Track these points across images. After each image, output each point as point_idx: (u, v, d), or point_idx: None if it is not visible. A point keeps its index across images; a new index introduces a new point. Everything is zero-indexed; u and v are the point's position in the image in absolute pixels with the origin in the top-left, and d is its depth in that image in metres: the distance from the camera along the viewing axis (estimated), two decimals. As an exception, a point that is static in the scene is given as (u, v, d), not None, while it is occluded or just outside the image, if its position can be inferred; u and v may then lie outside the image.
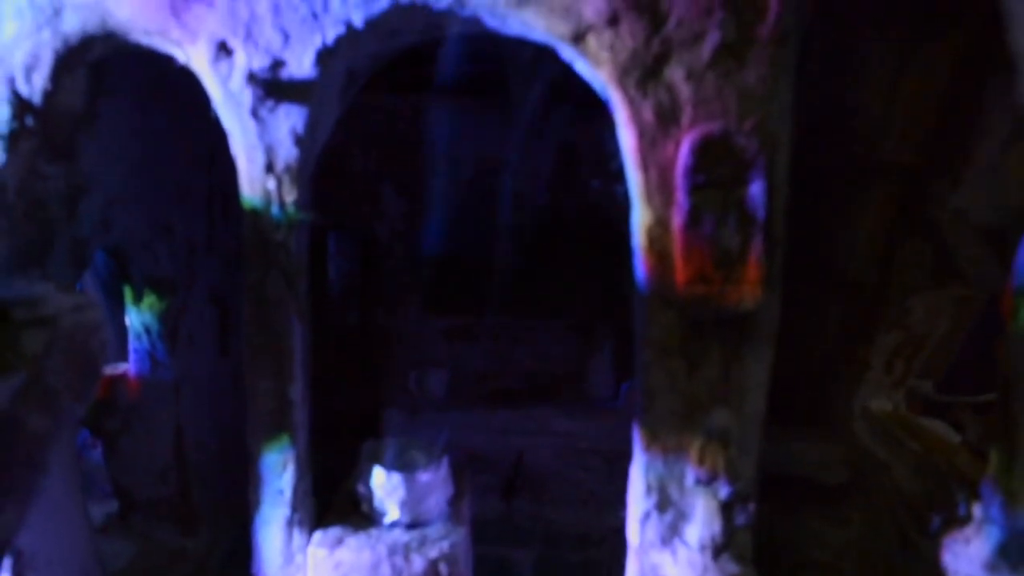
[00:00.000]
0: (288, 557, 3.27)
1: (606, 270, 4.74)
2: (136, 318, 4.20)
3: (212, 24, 2.81)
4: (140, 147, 3.84)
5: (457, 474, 3.57)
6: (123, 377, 4.27)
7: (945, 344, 4.05)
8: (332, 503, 3.51)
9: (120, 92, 3.64)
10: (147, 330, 4.21)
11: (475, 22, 2.80)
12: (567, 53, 2.77)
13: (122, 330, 4.44)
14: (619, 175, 2.89)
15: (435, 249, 4.98)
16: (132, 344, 4.27)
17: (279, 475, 3.22)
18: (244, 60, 2.82)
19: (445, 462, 3.41)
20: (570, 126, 4.80)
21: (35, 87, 3.02)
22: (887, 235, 3.70)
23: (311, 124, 2.91)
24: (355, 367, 4.88)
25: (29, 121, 3.02)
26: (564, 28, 2.67)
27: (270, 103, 2.85)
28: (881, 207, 3.69)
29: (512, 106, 4.70)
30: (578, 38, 2.68)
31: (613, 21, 2.63)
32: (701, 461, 2.89)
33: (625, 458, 3.23)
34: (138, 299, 4.12)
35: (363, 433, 4.95)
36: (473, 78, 4.36)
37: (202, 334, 4.46)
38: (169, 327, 4.22)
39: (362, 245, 5.07)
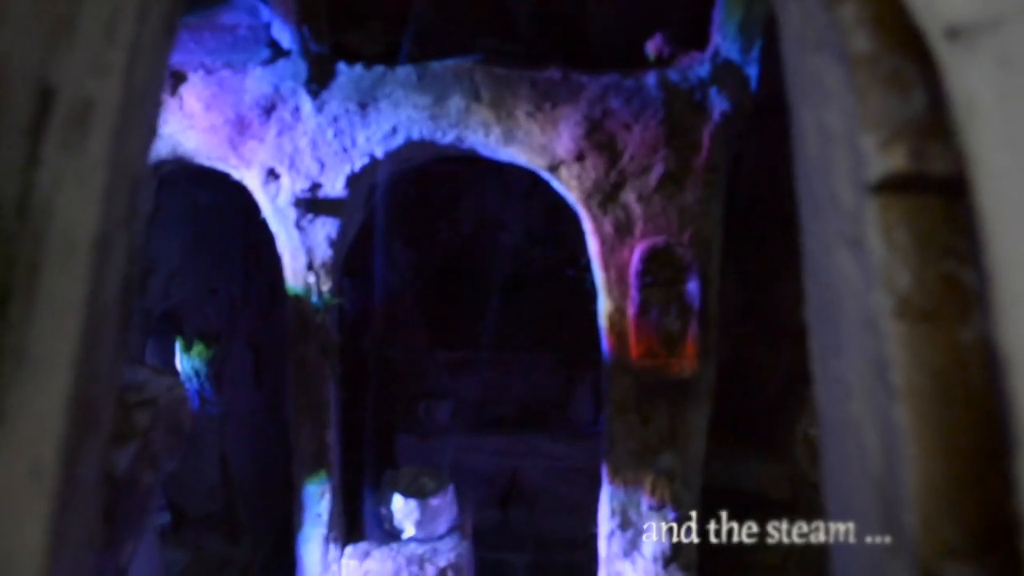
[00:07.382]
0: (325, 567, 4.05)
1: (588, 312, 5.50)
2: (187, 363, 4.96)
3: (263, 155, 3.54)
4: (191, 225, 4.58)
5: (461, 496, 4.34)
6: (176, 412, 5.02)
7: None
8: (358, 521, 4.29)
9: (175, 182, 4.37)
10: (197, 373, 4.97)
11: (472, 152, 3.54)
12: (546, 176, 3.51)
13: (172, 369, 5.18)
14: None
15: (438, 292, 5.73)
16: (184, 384, 5.02)
17: (318, 502, 3.99)
18: (289, 183, 3.55)
19: (451, 488, 4.19)
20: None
21: (118, 198, 3.74)
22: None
23: (342, 230, 3.66)
24: (372, 394, 5.65)
25: (114, 225, 3.76)
26: (541, 161, 3.42)
27: (310, 216, 3.59)
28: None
29: (505, 170, 5.42)
30: (553, 168, 3.43)
31: (580, 157, 3.38)
32: (652, 492, 3.67)
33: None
34: (188, 348, 4.88)
35: (379, 451, 5.74)
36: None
37: (242, 374, 5.23)
38: (215, 370, 4.98)
39: (374, 290, 5.82)
